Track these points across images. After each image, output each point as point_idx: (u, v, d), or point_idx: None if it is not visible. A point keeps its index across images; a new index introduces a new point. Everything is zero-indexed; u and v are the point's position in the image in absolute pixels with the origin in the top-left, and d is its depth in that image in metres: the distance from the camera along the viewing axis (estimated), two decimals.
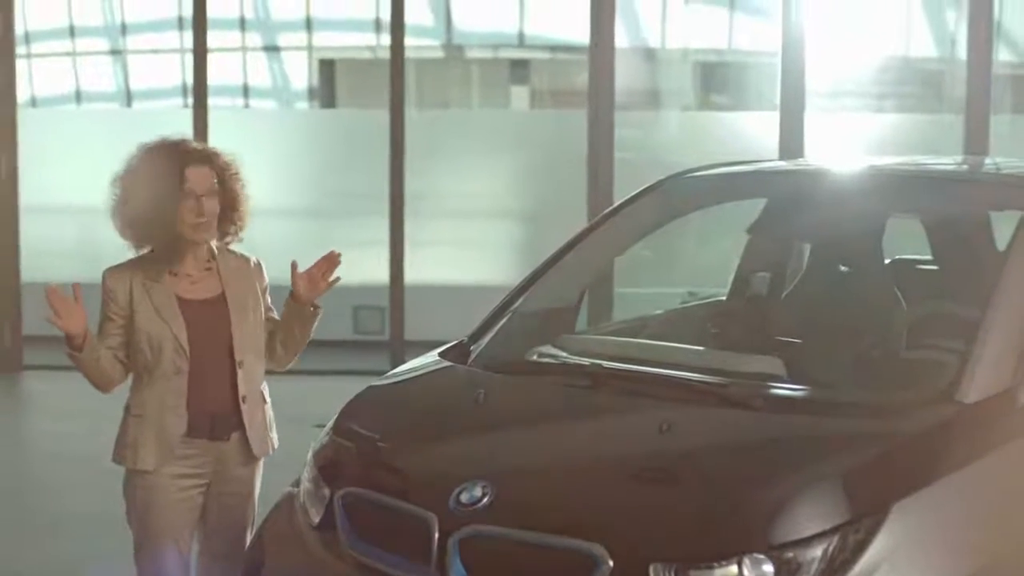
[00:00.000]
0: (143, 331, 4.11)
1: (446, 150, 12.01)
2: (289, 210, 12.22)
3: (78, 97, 17.17)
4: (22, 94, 17.34)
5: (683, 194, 4.97)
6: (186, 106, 14.40)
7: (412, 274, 10.75)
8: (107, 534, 4.58)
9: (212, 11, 15.93)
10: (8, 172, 10.25)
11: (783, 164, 5.30)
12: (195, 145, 4.25)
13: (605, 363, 4.01)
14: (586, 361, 4.06)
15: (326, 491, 3.79)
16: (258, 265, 4.38)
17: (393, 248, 10.45)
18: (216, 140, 11.31)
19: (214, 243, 4.27)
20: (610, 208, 4.89)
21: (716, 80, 16.31)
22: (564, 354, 4.21)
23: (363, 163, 11.52)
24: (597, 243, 4.84)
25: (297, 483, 4.05)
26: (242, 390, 4.19)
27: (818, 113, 10.53)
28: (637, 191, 4.89)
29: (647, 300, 8.45)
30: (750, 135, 11.15)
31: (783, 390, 3.74)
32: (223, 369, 4.18)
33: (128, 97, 16.97)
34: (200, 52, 10.43)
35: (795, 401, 3.71)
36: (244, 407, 4.19)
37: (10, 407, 10.09)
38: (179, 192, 4.09)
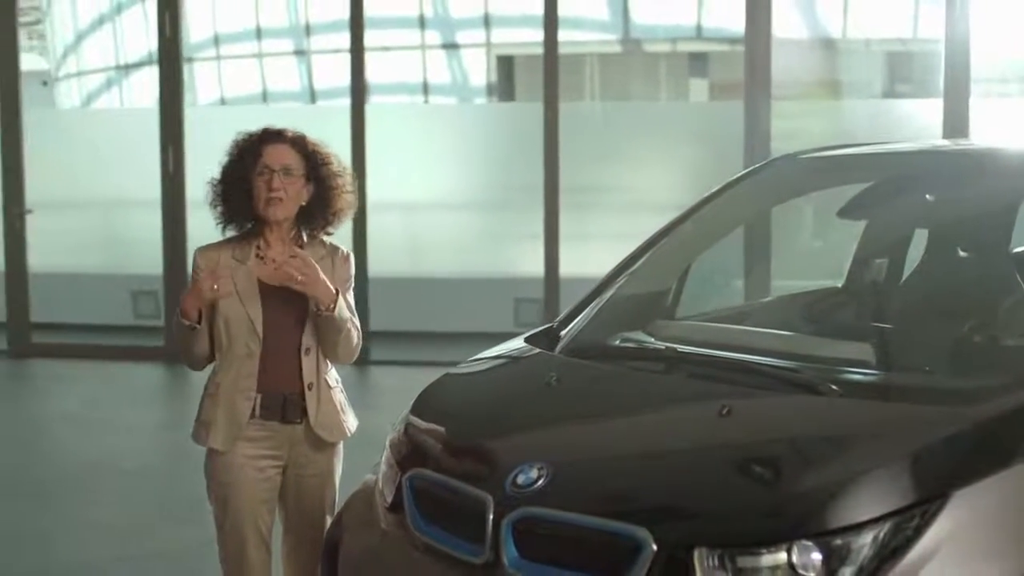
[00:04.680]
0: (222, 311, 4.20)
1: (623, 143, 12.01)
2: (466, 203, 12.38)
3: (264, 96, 17.65)
4: (213, 94, 18.04)
5: (788, 177, 4.85)
6: (368, 103, 14.71)
7: (583, 267, 10.74)
8: None
9: (392, 10, 16.29)
10: (176, 167, 10.60)
11: (899, 146, 5.11)
12: (285, 130, 4.29)
13: (679, 347, 3.94)
14: (661, 345, 4.01)
15: (398, 473, 3.83)
16: (345, 257, 4.38)
17: (548, 240, 10.47)
18: (394, 135, 11.62)
19: (304, 233, 4.33)
20: (711, 191, 4.79)
21: (897, 68, 15.93)
22: (650, 339, 4.16)
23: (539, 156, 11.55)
24: (698, 227, 4.76)
25: (376, 467, 4.09)
26: (307, 378, 4.23)
27: (986, 99, 10.22)
28: (739, 174, 4.80)
29: None
30: (928, 123, 10.86)
31: (855, 375, 3.63)
32: (293, 355, 4.23)
33: (312, 95, 17.38)
34: (357, 52, 10.69)
35: (865, 386, 3.59)
36: (308, 394, 4.24)
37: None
38: (254, 169, 4.17)
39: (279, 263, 4.14)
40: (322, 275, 4.15)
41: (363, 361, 10.73)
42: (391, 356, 10.63)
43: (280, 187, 4.17)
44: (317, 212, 4.28)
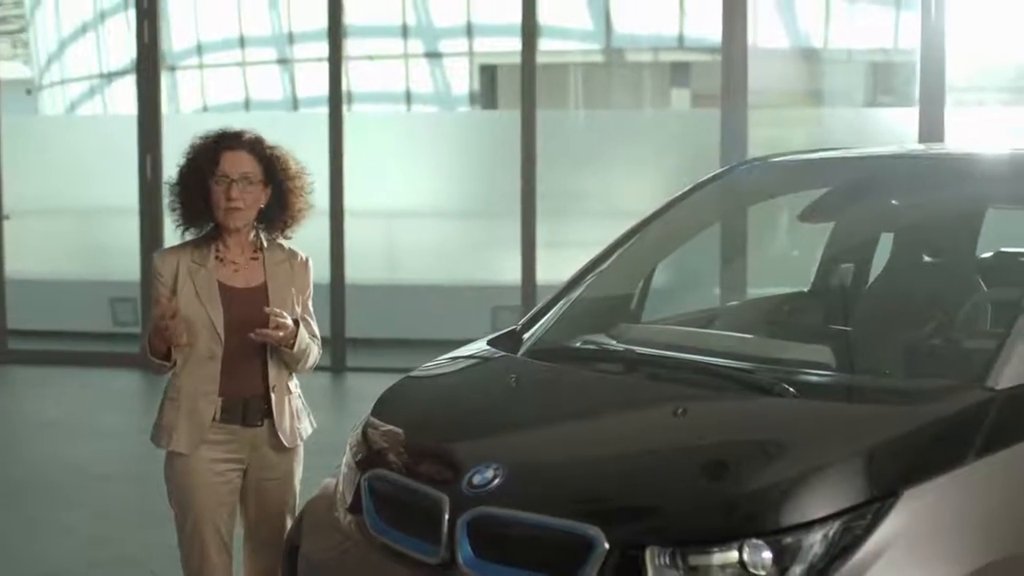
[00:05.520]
0: (183, 314, 4.18)
1: (604, 151, 12.04)
2: (447, 211, 12.41)
3: (247, 105, 17.66)
4: (196, 102, 18.05)
5: (751, 183, 4.88)
6: (349, 110, 14.77)
7: (563, 275, 10.73)
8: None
9: (375, 19, 16.32)
10: (154, 174, 10.63)
11: (866, 150, 5.12)
12: (242, 134, 4.29)
13: (639, 350, 3.96)
14: (621, 348, 4.02)
15: (357, 474, 3.84)
16: (304, 263, 4.39)
17: (525, 248, 10.49)
18: (376, 143, 11.62)
19: (263, 235, 4.34)
20: (675, 196, 4.81)
21: (879, 78, 16.00)
22: (611, 342, 4.17)
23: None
24: (661, 231, 4.77)
25: (337, 470, 4.10)
26: (272, 380, 4.25)
27: (961, 107, 10.28)
28: (703, 179, 4.82)
29: None
30: (907, 131, 10.91)
31: (812, 376, 3.64)
32: (255, 357, 4.23)
33: (295, 103, 17.39)
34: (335, 61, 10.85)
35: (821, 387, 3.60)
36: (273, 396, 4.25)
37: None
38: (211, 176, 4.17)
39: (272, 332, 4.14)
40: (289, 320, 4.16)
41: (340, 368, 10.74)
42: (368, 363, 10.65)
43: (239, 196, 4.18)
44: (276, 215, 4.29)
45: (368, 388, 4.47)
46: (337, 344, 10.79)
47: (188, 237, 4.32)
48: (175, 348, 4.19)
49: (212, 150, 4.21)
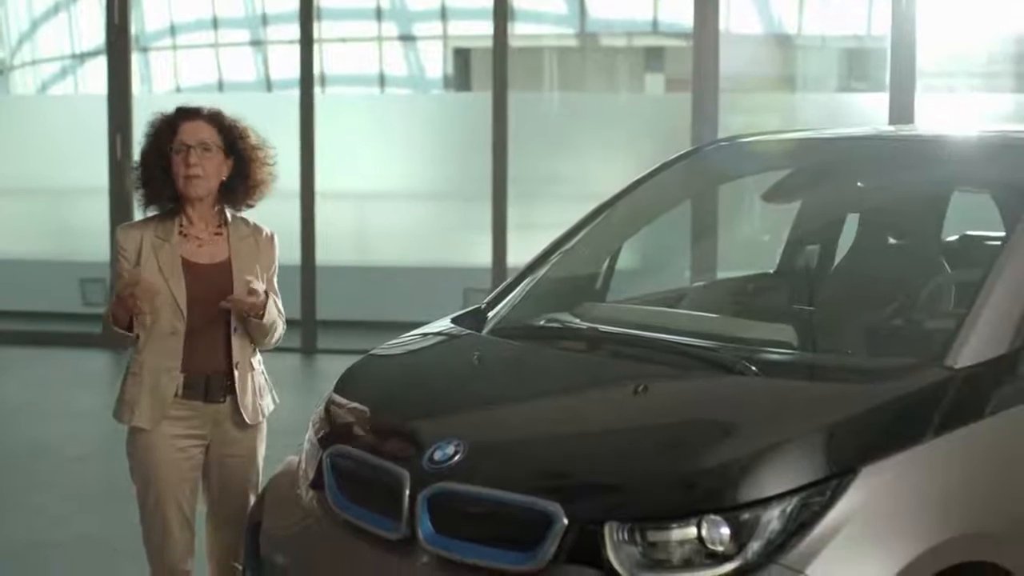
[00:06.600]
0: (147, 280, 4.13)
1: (577, 134, 12.04)
2: (419, 193, 12.40)
3: (221, 86, 17.59)
4: (169, 83, 17.98)
5: (720, 163, 4.88)
6: (323, 92, 14.73)
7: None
8: None
9: (349, 2, 16.27)
10: (124, 154, 10.59)
11: (831, 132, 5.13)
12: (201, 108, 4.28)
13: (602, 328, 3.97)
14: (584, 326, 4.03)
15: (319, 450, 3.84)
16: (270, 239, 4.38)
17: (496, 230, 10.49)
18: (348, 124, 11.55)
19: (227, 210, 4.33)
20: (643, 174, 4.81)
21: (852, 64, 16.02)
22: (575, 320, 4.18)
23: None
24: (628, 211, 4.78)
25: (300, 447, 4.10)
26: (235, 356, 4.23)
27: (931, 93, 10.33)
28: (672, 158, 4.81)
29: None
30: (879, 116, 10.94)
31: (773, 355, 3.65)
32: (219, 333, 4.22)
33: (268, 84, 17.34)
34: (306, 42, 10.87)
35: (781, 365, 3.62)
36: (236, 372, 4.23)
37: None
38: (171, 145, 4.16)
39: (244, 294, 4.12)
40: (261, 289, 4.15)
41: (310, 349, 10.72)
42: (339, 345, 10.61)
43: (197, 163, 4.16)
44: (238, 186, 4.27)
45: (338, 370, 4.47)
46: (308, 326, 10.77)
47: (151, 214, 4.31)
48: (137, 319, 4.17)
49: (171, 122, 4.20)
